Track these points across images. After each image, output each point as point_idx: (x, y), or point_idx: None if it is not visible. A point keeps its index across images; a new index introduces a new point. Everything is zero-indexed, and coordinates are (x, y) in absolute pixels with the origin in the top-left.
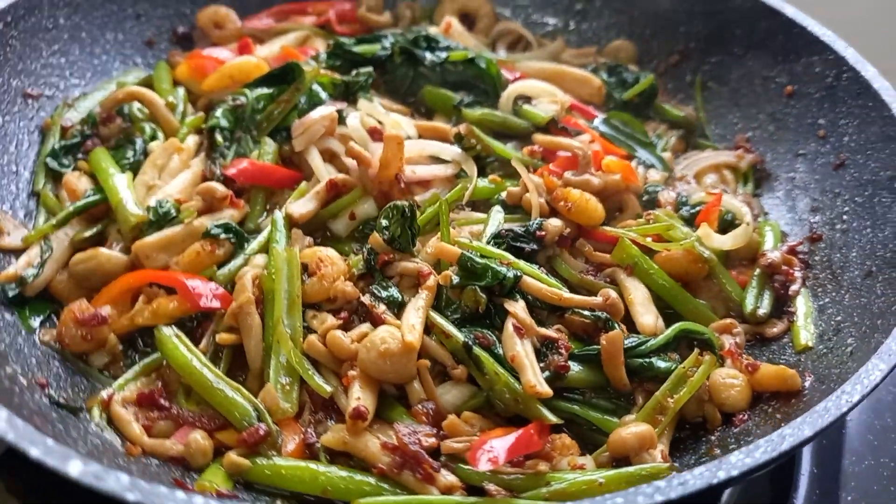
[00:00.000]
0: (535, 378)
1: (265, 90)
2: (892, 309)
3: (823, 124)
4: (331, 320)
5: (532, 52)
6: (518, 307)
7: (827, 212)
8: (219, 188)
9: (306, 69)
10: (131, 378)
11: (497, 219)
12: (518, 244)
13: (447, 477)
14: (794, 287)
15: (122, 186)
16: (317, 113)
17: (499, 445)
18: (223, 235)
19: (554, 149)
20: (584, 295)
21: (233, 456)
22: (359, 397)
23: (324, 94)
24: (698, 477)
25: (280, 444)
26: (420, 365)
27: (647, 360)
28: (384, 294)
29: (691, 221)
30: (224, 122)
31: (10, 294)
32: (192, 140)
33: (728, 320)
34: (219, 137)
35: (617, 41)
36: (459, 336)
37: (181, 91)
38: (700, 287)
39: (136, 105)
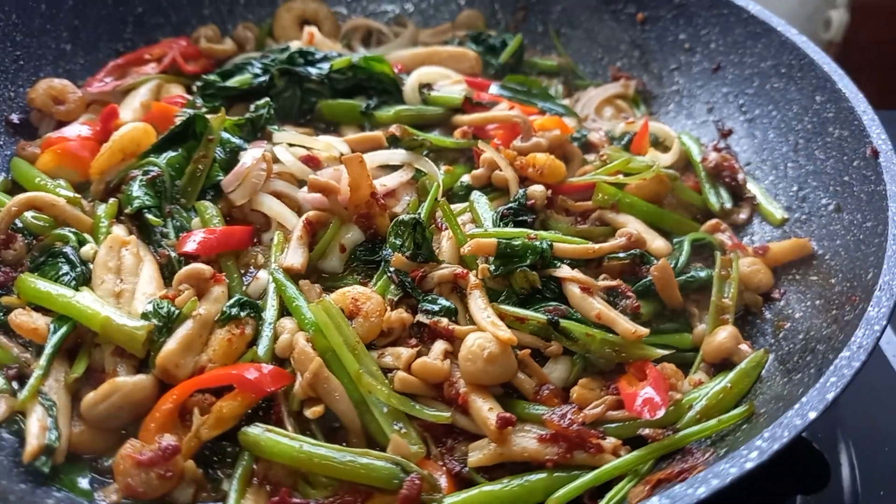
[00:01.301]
0: (629, 324)
1: (173, 153)
2: (852, 164)
3: (685, 38)
4: (406, 352)
5: (391, 42)
6: (570, 272)
7: (724, 109)
8: (205, 269)
9: (210, 118)
10: (238, 498)
11: (484, 203)
12: (520, 218)
13: (609, 440)
14: (740, 176)
15: (93, 304)
16: (248, 159)
17: (649, 393)
18: (243, 313)
19: (483, 125)
20: None
21: None
22: (490, 407)
23: (235, 139)
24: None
25: (438, 485)
26: (522, 356)
27: (689, 274)
28: (437, 307)
29: (627, 150)
30: (148, 200)
31: (47, 470)
32: (120, 230)
33: (713, 221)
34: (151, 217)
35: (465, 12)
36: (541, 316)
37: (62, 182)
38: (664, 205)
39: (30, 215)
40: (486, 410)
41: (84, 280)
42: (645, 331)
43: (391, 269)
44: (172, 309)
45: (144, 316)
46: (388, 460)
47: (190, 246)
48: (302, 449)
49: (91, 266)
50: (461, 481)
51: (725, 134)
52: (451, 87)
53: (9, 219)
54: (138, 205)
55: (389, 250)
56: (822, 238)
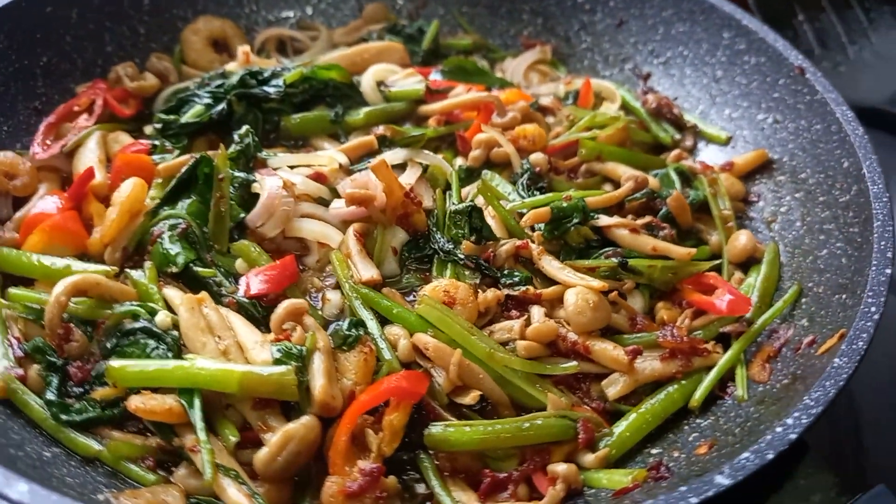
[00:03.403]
0: (681, 248)
1: (189, 200)
2: (777, 83)
3: (584, 0)
4: (517, 323)
5: (312, 48)
6: (611, 219)
7: (636, 57)
8: (300, 303)
9: (212, 155)
10: (447, 494)
11: (499, 179)
12: (539, 185)
13: (707, 345)
14: (675, 111)
15: (221, 366)
16: (271, 190)
17: (730, 296)
18: (354, 332)
19: (453, 110)
20: None
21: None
22: (613, 346)
23: (240, 173)
24: None
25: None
26: (613, 297)
27: (689, 199)
28: (517, 278)
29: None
30: (186, 255)
31: None
32: (172, 291)
33: (675, 151)
34: (200, 270)
35: (368, 6)
36: (611, 261)
37: (69, 259)
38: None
39: (72, 302)
40: (612, 350)
41: (177, 349)
42: (694, 250)
43: (460, 256)
44: (300, 348)
45: (278, 361)
46: (557, 415)
47: (258, 287)
48: (487, 430)
49: (175, 334)
50: (607, 414)
51: (645, 77)
52: (404, 80)
53: (60, 311)
54: (183, 261)
55: (444, 241)
56: (773, 146)
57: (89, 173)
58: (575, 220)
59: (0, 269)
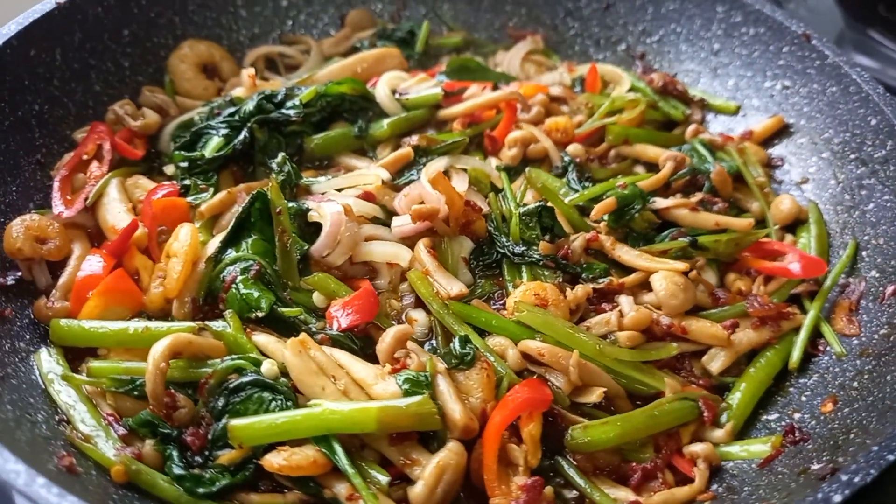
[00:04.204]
0: (742, 220)
1: (252, 239)
2: (782, 51)
3: None
4: (614, 315)
5: (305, 64)
6: (667, 201)
7: (628, 38)
8: (407, 328)
9: (266, 191)
10: (601, 496)
11: (545, 175)
12: (587, 177)
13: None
14: (679, 87)
15: (351, 406)
16: (333, 218)
17: (803, 259)
18: (469, 349)
19: (473, 112)
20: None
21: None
22: (710, 322)
23: (292, 203)
24: None
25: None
26: (693, 276)
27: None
28: (597, 271)
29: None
30: (267, 297)
31: None
32: (264, 338)
33: (692, 126)
34: (286, 310)
35: (351, 13)
36: (682, 241)
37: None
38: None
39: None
40: (710, 327)
41: (294, 397)
42: (752, 220)
43: (535, 257)
44: (424, 374)
45: (407, 392)
46: (678, 398)
47: (347, 320)
48: (624, 425)
49: (284, 381)
50: (713, 389)
51: (640, 57)
52: (418, 86)
53: (162, 378)
54: (267, 303)
55: (511, 244)
56: (787, 111)
57: (133, 226)
58: (638, 207)
59: (63, 343)
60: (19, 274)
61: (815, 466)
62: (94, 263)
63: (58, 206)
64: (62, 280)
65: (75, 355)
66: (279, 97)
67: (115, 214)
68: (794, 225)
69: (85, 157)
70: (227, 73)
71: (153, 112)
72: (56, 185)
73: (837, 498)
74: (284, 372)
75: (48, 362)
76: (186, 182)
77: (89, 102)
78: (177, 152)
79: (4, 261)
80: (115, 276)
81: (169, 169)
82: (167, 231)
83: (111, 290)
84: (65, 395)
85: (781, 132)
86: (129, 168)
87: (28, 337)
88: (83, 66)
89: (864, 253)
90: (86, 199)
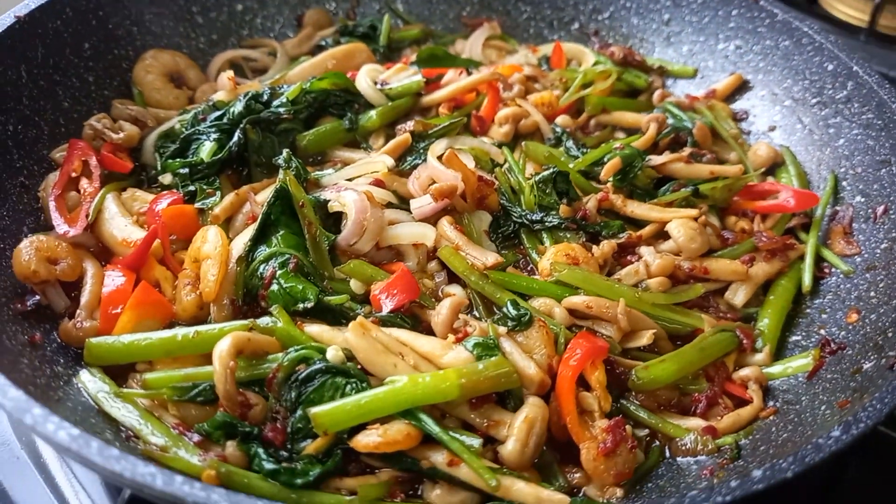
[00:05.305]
0: (733, 167)
1: (282, 234)
2: (731, 14)
3: None
4: (641, 265)
5: (274, 66)
6: (662, 157)
7: (580, 17)
8: (459, 297)
9: (287, 185)
10: (670, 426)
11: (542, 147)
12: (582, 144)
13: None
14: (637, 57)
15: (434, 378)
16: (357, 204)
17: (795, 194)
18: (524, 310)
19: (456, 95)
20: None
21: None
22: (729, 260)
23: (309, 195)
24: None
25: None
26: (703, 221)
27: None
28: (614, 227)
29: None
30: (311, 288)
31: None
32: (317, 328)
33: (658, 92)
34: (331, 298)
35: (308, 13)
36: (687, 191)
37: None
38: None
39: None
40: (730, 264)
41: (366, 378)
42: (741, 166)
43: (555, 221)
44: (490, 337)
45: (480, 357)
46: (717, 331)
47: (392, 302)
48: (680, 360)
49: (350, 365)
50: (740, 319)
51: (594, 33)
52: (397, 75)
53: (232, 377)
54: (313, 294)
55: (527, 212)
56: (742, 68)
57: (154, 235)
58: (638, 167)
59: (101, 362)
60: (37, 298)
61: (868, 364)
62: (116, 279)
63: (61, 225)
64: (85, 299)
65: (114, 373)
66: (265, 96)
67: (123, 228)
68: (773, 169)
69: (74, 174)
70: (195, 81)
71: (130, 124)
72: (52, 205)
73: None
74: (349, 357)
75: (92, 382)
76: (190, 188)
77: (60, 120)
78: (171, 161)
79: (16, 287)
80: (142, 289)
81: (166, 178)
82: (176, 240)
83: (142, 303)
84: (124, 411)
85: (741, 88)
86: (118, 182)
87: (62, 361)
88: (49, 84)
89: (844, 183)
90: (87, 215)
